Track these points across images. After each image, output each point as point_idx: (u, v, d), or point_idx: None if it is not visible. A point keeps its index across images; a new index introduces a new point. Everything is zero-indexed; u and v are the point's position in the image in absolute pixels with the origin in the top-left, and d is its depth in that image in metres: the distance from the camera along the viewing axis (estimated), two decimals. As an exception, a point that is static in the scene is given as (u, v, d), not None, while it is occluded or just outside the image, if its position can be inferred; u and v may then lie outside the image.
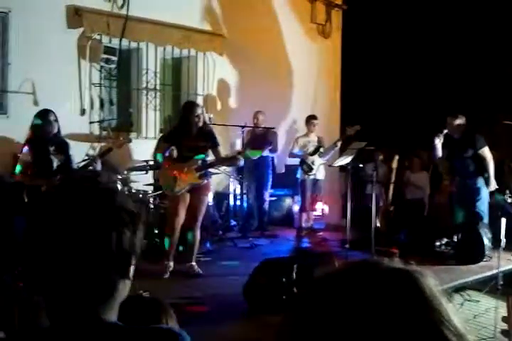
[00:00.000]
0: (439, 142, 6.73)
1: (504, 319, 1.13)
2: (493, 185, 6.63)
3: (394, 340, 0.65)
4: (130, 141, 5.82)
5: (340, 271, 0.74)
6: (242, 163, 5.79)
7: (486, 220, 6.67)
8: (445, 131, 6.73)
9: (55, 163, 5.25)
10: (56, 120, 5.31)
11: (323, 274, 0.74)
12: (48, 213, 1.10)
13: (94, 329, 1.06)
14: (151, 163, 6.94)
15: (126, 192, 6.31)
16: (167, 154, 5.57)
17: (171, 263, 5.63)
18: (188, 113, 5.58)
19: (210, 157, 5.80)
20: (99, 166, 5.37)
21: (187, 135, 5.53)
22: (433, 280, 0.73)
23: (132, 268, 1.13)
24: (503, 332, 1.17)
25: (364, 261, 0.75)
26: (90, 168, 5.39)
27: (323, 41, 10.13)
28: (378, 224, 7.50)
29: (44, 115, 5.26)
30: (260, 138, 7.92)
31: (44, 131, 5.24)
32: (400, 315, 0.67)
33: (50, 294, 1.09)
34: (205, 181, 5.68)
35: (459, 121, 6.72)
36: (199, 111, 5.58)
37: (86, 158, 6.01)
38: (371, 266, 0.74)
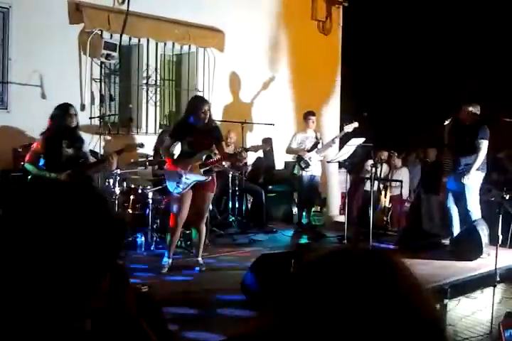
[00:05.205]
0: (448, 125, 6.81)
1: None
2: (472, 177, 6.61)
3: (371, 307, 0.73)
4: (142, 146, 5.80)
5: (321, 256, 0.82)
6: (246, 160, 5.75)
7: (478, 216, 6.67)
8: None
9: (65, 157, 5.26)
10: (76, 115, 5.35)
11: (304, 260, 0.82)
12: (35, 211, 1.03)
13: (66, 336, 1.03)
14: (151, 158, 6.96)
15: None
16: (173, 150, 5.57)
17: (170, 260, 5.62)
18: (195, 109, 5.50)
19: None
20: (115, 163, 5.36)
21: (193, 131, 5.47)
22: (404, 260, 0.81)
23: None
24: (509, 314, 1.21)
25: (341, 246, 0.83)
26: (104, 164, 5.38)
27: (323, 38, 10.14)
28: (376, 221, 7.53)
29: (65, 107, 5.30)
30: None
31: (62, 122, 5.25)
32: (377, 285, 0.75)
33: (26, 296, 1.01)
34: (210, 177, 5.60)
35: (472, 108, 6.75)
36: (206, 107, 5.50)
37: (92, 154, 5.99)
38: (348, 249, 0.83)
